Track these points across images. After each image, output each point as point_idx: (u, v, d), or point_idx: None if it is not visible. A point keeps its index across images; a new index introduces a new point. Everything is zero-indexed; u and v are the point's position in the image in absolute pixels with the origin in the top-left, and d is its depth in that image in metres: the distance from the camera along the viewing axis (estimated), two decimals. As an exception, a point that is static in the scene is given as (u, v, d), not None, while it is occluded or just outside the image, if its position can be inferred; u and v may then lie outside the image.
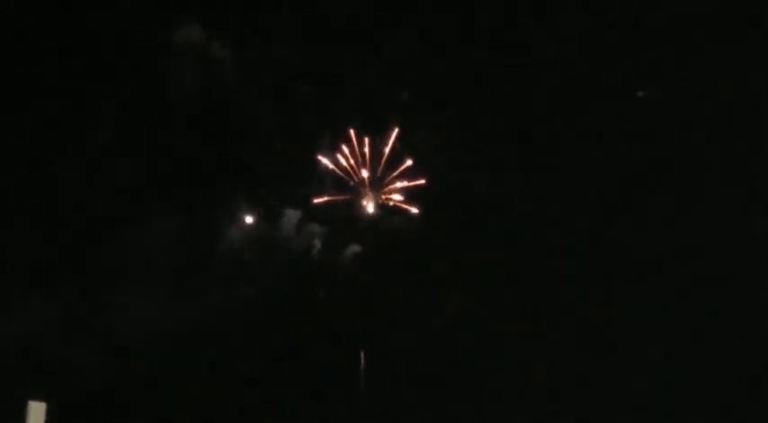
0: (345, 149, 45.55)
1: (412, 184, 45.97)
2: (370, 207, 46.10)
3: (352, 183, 46.14)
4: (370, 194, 46.26)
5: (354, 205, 46.26)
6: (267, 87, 45.33)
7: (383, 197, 46.26)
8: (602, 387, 41.23)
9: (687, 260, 42.22)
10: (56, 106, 43.36)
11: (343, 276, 45.47)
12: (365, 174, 46.05)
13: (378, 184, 46.49)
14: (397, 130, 45.66)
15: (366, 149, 46.05)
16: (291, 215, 45.43)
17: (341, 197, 45.88)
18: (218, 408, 41.42)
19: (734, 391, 40.42)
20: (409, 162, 45.87)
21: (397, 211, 46.09)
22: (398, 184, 46.12)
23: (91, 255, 42.71)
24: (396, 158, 46.04)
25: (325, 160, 45.49)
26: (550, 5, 44.08)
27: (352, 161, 46.01)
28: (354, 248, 45.71)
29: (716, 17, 42.22)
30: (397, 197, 45.95)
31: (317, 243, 45.80)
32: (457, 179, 45.09)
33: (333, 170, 45.77)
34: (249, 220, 45.31)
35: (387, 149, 45.96)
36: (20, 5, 43.70)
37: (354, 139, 45.56)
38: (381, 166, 46.29)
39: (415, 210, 45.93)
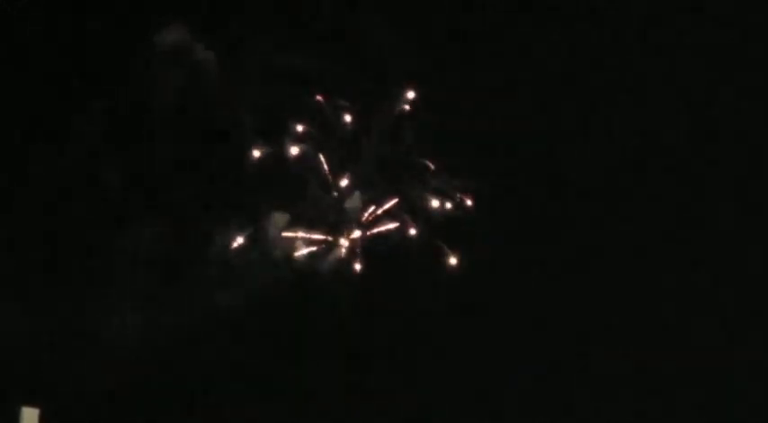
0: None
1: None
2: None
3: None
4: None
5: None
6: (252, 90, 44.61)
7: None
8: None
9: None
10: (34, 107, 42.94)
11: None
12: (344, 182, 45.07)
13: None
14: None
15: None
16: (278, 219, 44.69)
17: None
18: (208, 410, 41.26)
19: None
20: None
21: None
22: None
23: (75, 259, 42.23)
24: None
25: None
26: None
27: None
28: (340, 252, 44.92)
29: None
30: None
31: (302, 248, 44.95)
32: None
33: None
34: (234, 224, 44.53)
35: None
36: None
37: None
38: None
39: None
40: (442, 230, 44.30)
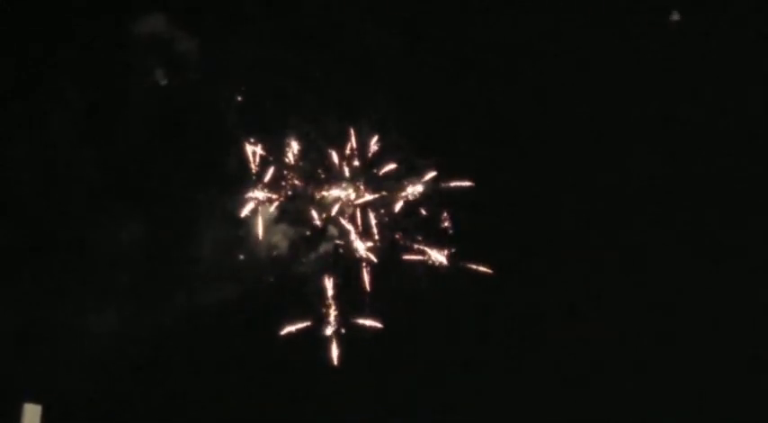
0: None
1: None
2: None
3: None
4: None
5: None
6: (234, 83, 44.28)
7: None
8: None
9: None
10: (6, 98, 42.15)
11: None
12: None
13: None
14: None
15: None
16: (262, 213, 44.20)
17: None
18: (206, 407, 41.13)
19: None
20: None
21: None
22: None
23: (58, 254, 41.73)
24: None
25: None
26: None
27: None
28: (325, 248, 44.48)
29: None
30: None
31: (284, 245, 44.45)
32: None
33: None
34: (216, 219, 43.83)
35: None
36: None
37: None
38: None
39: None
40: (428, 226, 44.26)
